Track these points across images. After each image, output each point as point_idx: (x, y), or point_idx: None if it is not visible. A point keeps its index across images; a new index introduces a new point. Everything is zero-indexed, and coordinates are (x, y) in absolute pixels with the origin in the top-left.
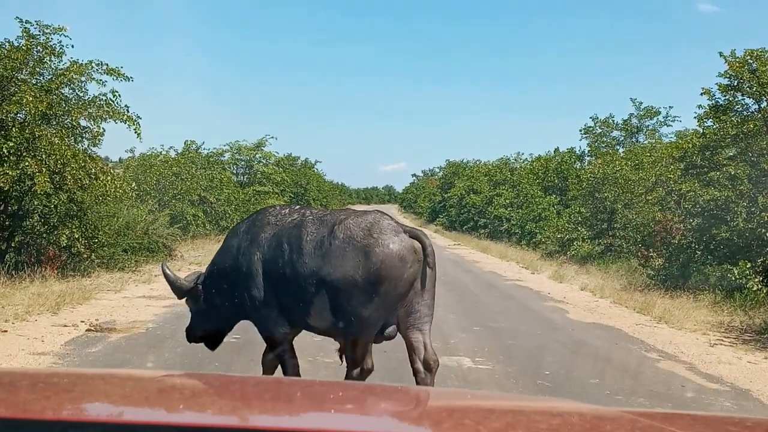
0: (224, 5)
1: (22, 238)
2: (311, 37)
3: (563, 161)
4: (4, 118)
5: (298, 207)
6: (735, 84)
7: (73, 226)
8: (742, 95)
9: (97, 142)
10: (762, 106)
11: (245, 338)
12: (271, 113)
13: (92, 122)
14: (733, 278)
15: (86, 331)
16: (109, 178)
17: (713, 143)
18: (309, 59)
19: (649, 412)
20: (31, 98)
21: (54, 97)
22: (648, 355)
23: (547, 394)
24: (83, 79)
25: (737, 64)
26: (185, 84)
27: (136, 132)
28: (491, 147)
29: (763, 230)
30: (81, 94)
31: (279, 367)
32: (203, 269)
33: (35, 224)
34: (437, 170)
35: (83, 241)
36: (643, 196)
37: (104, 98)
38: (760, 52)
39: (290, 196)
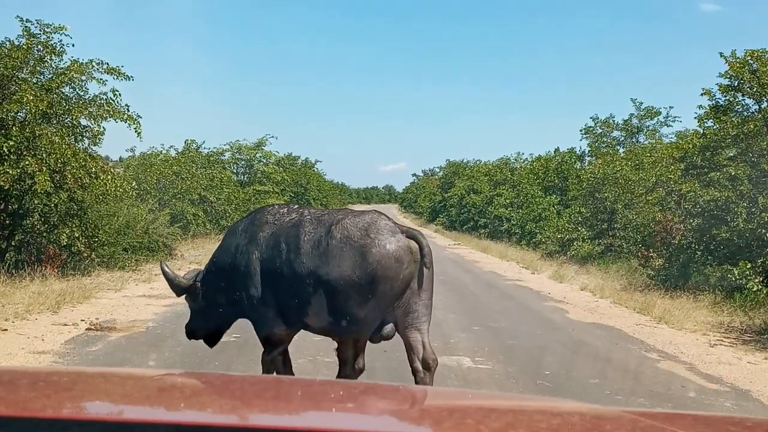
0: (224, 5)
1: (23, 236)
2: (311, 37)
3: (563, 161)
4: (4, 116)
5: (296, 206)
6: (735, 84)
7: (74, 225)
8: (743, 96)
9: (97, 141)
10: (762, 106)
11: (245, 337)
12: (271, 113)
13: (92, 121)
14: (734, 279)
15: (86, 330)
16: (109, 177)
17: (713, 144)
18: (309, 59)
19: (649, 412)
20: (31, 97)
21: (54, 96)
22: (648, 355)
23: (547, 394)
24: (84, 78)
25: (738, 65)
26: (185, 84)
27: (136, 131)
28: (491, 147)
29: (764, 231)
30: (81, 93)
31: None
32: (203, 268)
33: (35, 223)
34: (437, 170)
35: (83, 240)
36: (643, 197)
37: (105, 97)
38: (761, 52)
39: (290, 196)
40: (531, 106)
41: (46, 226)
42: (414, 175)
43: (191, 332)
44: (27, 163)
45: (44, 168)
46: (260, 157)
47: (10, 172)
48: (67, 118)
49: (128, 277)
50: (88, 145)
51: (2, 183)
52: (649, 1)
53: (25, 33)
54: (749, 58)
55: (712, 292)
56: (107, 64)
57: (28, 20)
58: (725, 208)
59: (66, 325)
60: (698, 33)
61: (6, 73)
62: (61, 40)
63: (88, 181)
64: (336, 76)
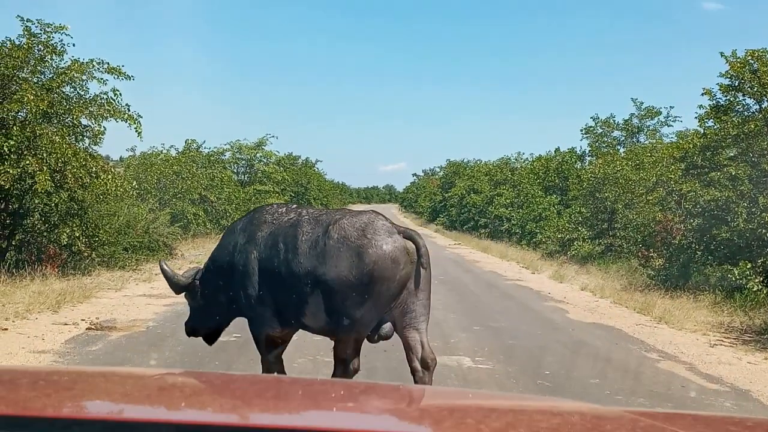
0: (224, 5)
1: (23, 236)
2: (311, 37)
3: (564, 161)
4: (5, 116)
5: (295, 206)
6: (736, 84)
7: (74, 225)
8: (743, 95)
9: (97, 140)
10: (763, 106)
11: (246, 337)
12: (271, 113)
13: (93, 121)
14: (734, 279)
15: (87, 329)
16: (109, 176)
17: (714, 143)
18: (309, 59)
19: (650, 411)
20: (32, 97)
21: (55, 95)
22: (648, 355)
23: (548, 394)
24: (84, 77)
25: (738, 65)
26: (185, 84)
27: (136, 131)
28: (491, 147)
29: (764, 231)
30: (82, 93)
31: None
32: (202, 266)
33: (36, 223)
34: (438, 170)
35: (84, 240)
36: (643, 197)
37: (105, 97)
38: (761, 52)
39: (291, 195)
40: (531, 106)
41: (47, 225)
42: (414, 174)
43: (191, 330)
44: (27, 162)
45: (45, 167)
46: (261, 156)
47: (11, 171)
48: (67, 118)
49: (128, 277)
50: (89, 145)
51: (3, 182)
52: (649, 1)
53: (26, 33)
54: (750, 57)
55: (713, 292)
56: (108, 63)
57: (28, 20)
58: (726, 208)
59: (66, 324)
60: (700, 32)
61: (7, 73)
62: (61, 40)
63: (88, 180)
64: (336, 76)
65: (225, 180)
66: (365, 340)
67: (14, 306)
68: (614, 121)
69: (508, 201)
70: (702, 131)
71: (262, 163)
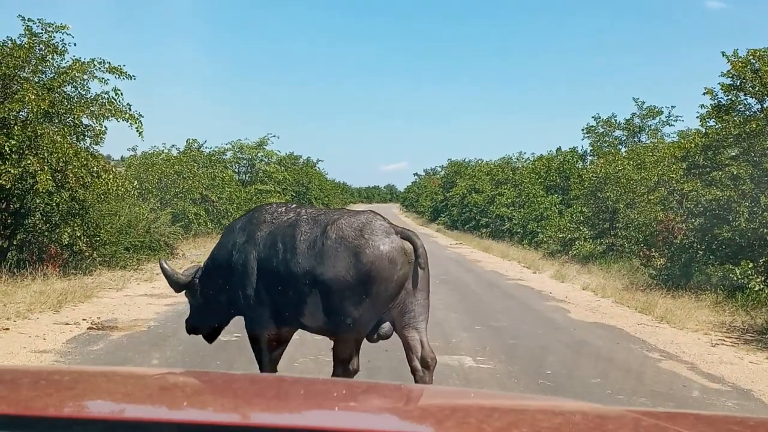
0: (224, 5)
1: (24, 236)
2: (311, 37)
3: (565, 161)
4: (6, 116)
5: (294, 205)
6: (738, 84)
7: (75, 225)
8: (745, 95)
9: (99, 140)
10: (764, 105)
11: (245, 336)
12: (272, 113)
13: (94, 120)
14: (735, 278)
15: (88, 329)
16: (111, 176)
17: (716, 143)
18: (309, 59)
19: (652, 411)
20: (33, 96)
21: (56, 95)
22: (650, 354)
23: (549, 394)
24: (85, 77)
25: (740, 64)
26: (186, 84)
27: (137, 130)
28: (492, 147)
29: (766, 230)
30: (83, 93)
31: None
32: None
33: (37, 222)
34: (439, 169)
35: (85, 240)
36: (645, 196)
37: (106, 96)
38: (763, 51)
39: (292, 195)
40: (531, 106)
41: (48, 225)
42: (416, 174)
43: (191, 328)
44: (29, 162)
45: (46, 167)
46: (262, 156)
47: (12, 171)
48: (68, 117)
49: (130, 277)
50: (90, 145)
51: (4, 182)
52: (651, 1)
53: (27, 32)
54: (751, 57)
55: (714, 291)
56: (109, 63)
57: (30, 19)
58: (727, 207)
59: (67, 324)
60: (702, 32)
61: (8, 72)
62: (63, 39)
63: (89, 180)
64: (336, 76)
65: (226, 179)
66: (365, 339)
67: (15, 306)
68: (616, 120)
69: (509, 200)
70: (703, 131)
71: (263, 162)
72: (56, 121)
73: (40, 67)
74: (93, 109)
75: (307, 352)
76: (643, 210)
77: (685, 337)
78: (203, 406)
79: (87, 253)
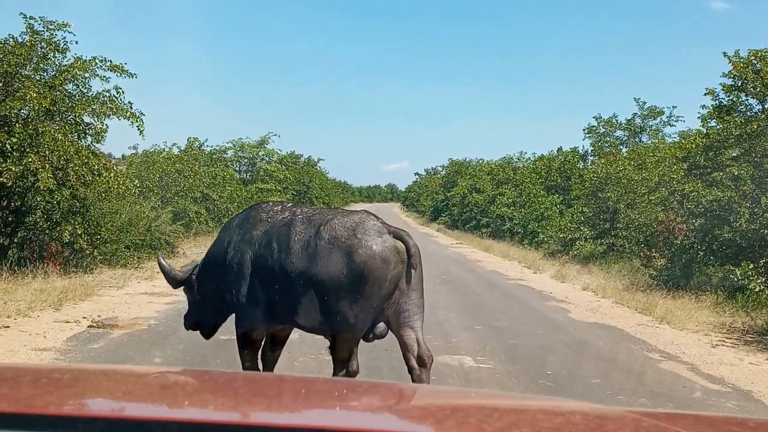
0: (224, 5)
1: (25, 234)
2: (311, 37)
3: (566, 161)
4: (7, 114)
5: (290, 204)
6: (739, 84)
7: (76, 223)
8: (746, 96)
9: (100, 138)
10: (766, 106)
11: None
12: (272, 113)
13: (95, 119)
14: (736, 279)
15: (88, 327)
16: (112, 174)
17: (717, 144)
18: (309, 59)
19: (652, 411)
20: (34, 94)
21: (58, 93)
22: (650, 355)
23: (549, 394)
24: (87, 75)
25: (741, 65)
26: (186, 84)
27: (138, 128)
28: (493, 147)
29: (766, 231)
30: (84, 91)
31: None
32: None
33: (38, 220)
34: (440, 169)
35: (86, 238)
36: (645, 196)
37: (108, 95)
38: (765, 52)
39: (293, 194)
40: (531, 106)
41: (49, 223)
42: (416, 173)
43: (189, 324)
44: (30, 160)
45: (47, 165)
46: (263, 155)
47: (13, 169)
48: (70, 116)
49: (130, 275)
50: (91, 143)
51: (5, 180)
52: (653, 1)
53: (29, 30)
54: (753, 58)
55: (715, 292)
56: (110, 61)
57: (31, 17)
58: (728, 208)
59: (68, 322)
60: (705, 32)
61: (9, 70)
62: (64, 38)
63: (90, 178)
64: (336, 76)
65: (227, 178)
66: (361, 339)
67: (16, 303)
68: (617, 120)
69: (510, 200)
70: (705, 131)
71: (264, 161)
72: (57, 119)
73: (41, 65)
74: (94, 107)
75: (308, 351)
76: (643, 210)
77: (686, 338)
78: (204, 405)
79: (88, 251)
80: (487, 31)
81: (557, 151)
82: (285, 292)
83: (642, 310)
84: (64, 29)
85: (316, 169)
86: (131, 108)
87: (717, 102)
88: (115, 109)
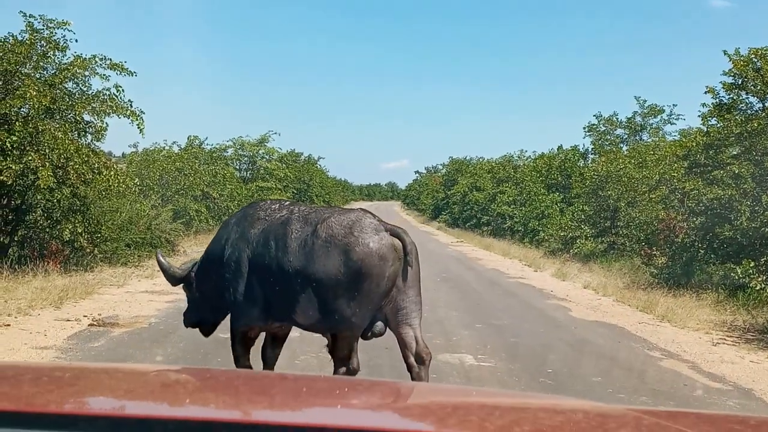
0: (224, 5)
1: (25, 232)
2: (311, 37)
3: (567, 159)
4: (7, 112)
5: (287, 203)
6: (739, 82)
7: (76, 221)
8: (747, 94)
9: (100, 136)
10: (766, 104)
11: None
12: (272, 113)
13: (96, 117)
14: (737, 277)
15: (89, 325)
16: (112, 173)
17: (717, 142)
18: (309, 59)
19: (653, 410)
20: (34, 92)
21: (57, 91)
22: (651, 353)
23: (550, 392)
24: (87, 73)
25: (742, 63)
26: (186, 84)
27: (138, 127)
28: (493, 146)
29: (767, 229)
30: (84, 89)
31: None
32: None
33: (38, 219)
34: (440, 167)
35: (86, 236)
36: (646, 195)
37: (108, 93)
38: (765, 50)
39: (293, 192)
40: (531, 105)
41: (49, 221)
42: (417, 172)
43: (189, 322)
44: (30, 158)
45: (47, 163)
46: (263, 153)
47: (13, 167)
48: (70, 114)
49: (131, 273)
50: (91, 141)
51: (5, 178)
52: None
53: (29, 28)
54: (753, 56)
55: (715, 290)
56: (110, 59)
57: (31, 16)
58: (729, 206)
59: (69, 320)
60: (705, 31)
61: (9, 69)
62: (64, 36)
63: (90, 176)
64: (336, 76)
65: (227, 176)
66: (360, 338)
67: (17, 302)
68: (617, 119)
69: (510, 199)
70: (705, 129)
71: (264, 159)
72: (57, 117)
73: (41, 64)
74: (94, 105)
75: (309, 349)
76: (644, 209)
77: (687, 336)
78: (205, 403)
79: (88, 250)
80: (487, 31)
81: (558, 149)
82: (283, 291)
83: (643, 308)
84: (64, 27)
85: (317, 167)
86: (131, 106)
87: (717, 100)
88: (115, 108)
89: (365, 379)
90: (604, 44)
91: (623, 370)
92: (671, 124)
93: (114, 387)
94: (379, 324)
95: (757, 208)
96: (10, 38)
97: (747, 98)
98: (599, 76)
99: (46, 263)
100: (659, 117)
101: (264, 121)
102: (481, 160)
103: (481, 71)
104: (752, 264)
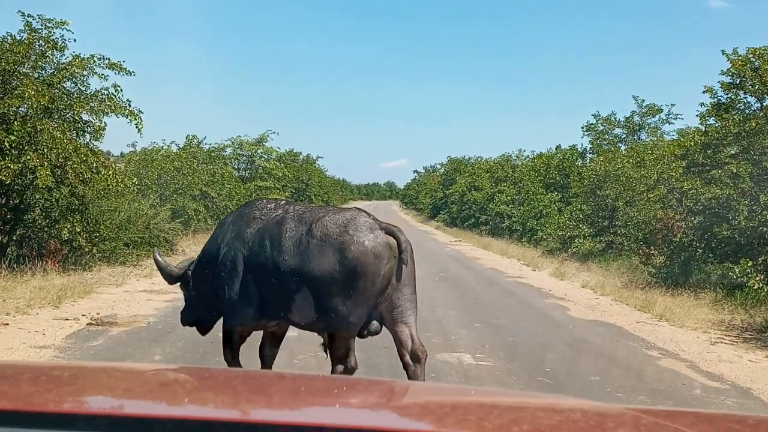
0: (224, 5)
1: (24, 231)
2: (311, 37)
3: (565, 158)
4: (6, 111)
5: (283, 202)
6: (737, 82)
7: (75, 220)
8: (745, 93)
9: (98, 136)
10: (764, 104)
11: None
12: (272, 113)
13: (94, 116)
14: (735, 276)
15: (87, 324)
16: (110, 172)
17: (715, 141)
18: (309, 59)
19: (651, 409)
20: (33, 92)
21: (56, 91)
22: (649, 352)
23: (548, 391)
24: (85, 73)
25: (740, 62)
26: (186, 84)
27: (137, 127)
28: (492, 146)
29: (765, 229)
30: (83, 89)
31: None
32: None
33: (37, 218)
34: (439, 167)
35: (84, 235)
36: (644, 194)
37: (106, 92)
38: (763, 50)
39: (292, 192)
40: (531, 105)
41: (48, 220)
42: (415, 171)
43: (186, 320)
44: (28, 157)
45: (45, 163)
46: (261, 153)
47: (12, 166)
48: (68, 113)
49: (129, 272)
50: (90, 140)
51: (4, 178)
52: (651, 0)
53: (27, 28)
54: (751, 55)
55: (713, 289)
56: (108, 59)
57: (30, 15)
58: (727, 205)
59: (67, 319)
60: (703, 31)
61: (8, 68)
62: (62, 35)
63: (89, 176)
64: (336, 76)
65: (226, 176)
66: (356, 336)
67: (15, 301)
68: (615, 118)
69: (509, 198)
70: (703, 129)
71: (263, 159)
72: (56, 116)
73: (39, 63)
74: (93, 105)
75: (307, 348)
76: (642, 208)
77: (685, 335)
78: (203, 403)
79: (86, 249)
80: (487, 31)
81: (556, 148)
82: (278, 290)
83: (641, 307)
84: (62, 27)
85: (315, 166)
86: (129, 106)
87: (715, 100)
88: (113, 107)
89: (364, 378)
90: (603, 44)
91: (621, 370)
92: (669, 124)
93: (112, 386)
94: (375, 323)
95: (755, 208)
96: (9, 38)
97: (745, 98)
98: (598, 76)
99: (44, 262)
100: (657, 116)
101: (264, 120)
102: (479, 159)
103: (480, 71)
104: (750, 263)
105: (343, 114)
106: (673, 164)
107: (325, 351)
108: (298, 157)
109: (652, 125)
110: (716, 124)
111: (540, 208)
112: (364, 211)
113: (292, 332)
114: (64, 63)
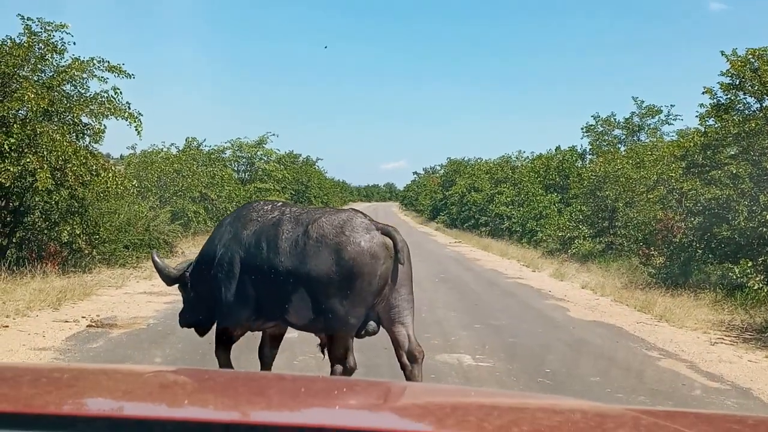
0: (224, 5)
1: (24, 234)
2: (311, 37)
3: (565, 159)
4: (5, 114)
5: (280, 204)
6: (737, 83)
7: (74, 223)
8: (744, 94)
9: (98, 138)
10: (764, 104)
11: (246, 335)
12: (272, 113)
13: (94, 119)
14: (735, 277)
15: (87, 326)
16: (110, 174)
17: (715, 142)
18: (309, 59)
19: (651, 409)
20: (32, 95)
21: (55, 93)
22: (649, 353)
23: (549, 392)
24: (85, 76)
25: (739, 63)
26: (185, 84)
27: (136, 129)
28: (492, 146)
29: (765, 229)
30: (83, 91)
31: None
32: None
33: (36, 220)
34: (438, 168)
35: (84, 237)
36: (644, 195)
37: (106, 95)
38: (762, 51)
39: (291, 194)
40: (531, 106)
41: (47, 223)
42: (415, 173)
43: (184, 322)
44: (28, 160)
45: (45, 165)
46: (261, 154)
47: (12, 169)
48: (68, 116)
49: (129, 274)
50: (89, 143)
51: (3, 180)
52: (652, 1)
53: (27, 31)
54: (751, 56)
55: (713, 290)
56: (108, 62)
57: (29, 18)
58: (726, 206)
59: (67, 321)
60: (703, 32)
61: (7, 71)
62: (62, 38)
63: (89, 178)
64: (336, 76)
65: (225, 178)
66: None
67: (15, 303)
68: (615, 119)
69: (508, 199)
70: (703, 130)
71: (262, 161)
72: (55, 119)
73: (39, 66)
74: (92, 107)
75: (307, 350)
76: (642, 209)
77: (685, 336)
78: (203, 404)
79: (86, 251)
80: (487, 31)
81: (555, 150)
82: (275, 291)
83: (641, 308)
84: (62, 30)
85: (315, 168)
86: (129, 108)
87: (715, 101)
88: (113, 110)
89: (363, 379)
90: (603, 44)
91: (621, 370)
92: (669, 125)
93: (112, 388)
94: (372, 323)
95: (754, 208)
96: (8, 41)
97: (744, 98)
98: (598, 76)
99: (44, 265)
100: (657, 117)
101: (263, 121)
102: (479, 160)
103: (480, 71)
104: (750, 264)
105: (342, 114)
106: (673, 165)
107: (323, 352)
108: (298, 159)
109: (652, 126)
110: (716, 125)
111: (540, 209)
112: (361, 212)
113: (293, 334)
114: (63, 66)
